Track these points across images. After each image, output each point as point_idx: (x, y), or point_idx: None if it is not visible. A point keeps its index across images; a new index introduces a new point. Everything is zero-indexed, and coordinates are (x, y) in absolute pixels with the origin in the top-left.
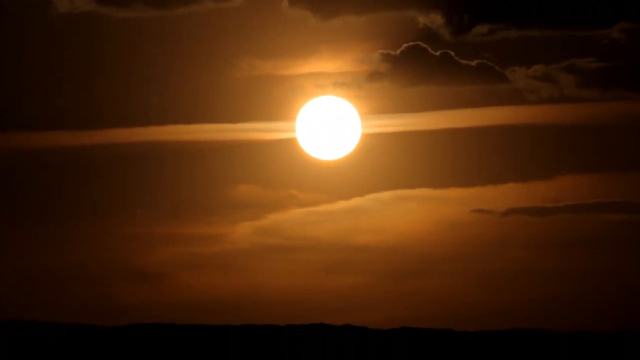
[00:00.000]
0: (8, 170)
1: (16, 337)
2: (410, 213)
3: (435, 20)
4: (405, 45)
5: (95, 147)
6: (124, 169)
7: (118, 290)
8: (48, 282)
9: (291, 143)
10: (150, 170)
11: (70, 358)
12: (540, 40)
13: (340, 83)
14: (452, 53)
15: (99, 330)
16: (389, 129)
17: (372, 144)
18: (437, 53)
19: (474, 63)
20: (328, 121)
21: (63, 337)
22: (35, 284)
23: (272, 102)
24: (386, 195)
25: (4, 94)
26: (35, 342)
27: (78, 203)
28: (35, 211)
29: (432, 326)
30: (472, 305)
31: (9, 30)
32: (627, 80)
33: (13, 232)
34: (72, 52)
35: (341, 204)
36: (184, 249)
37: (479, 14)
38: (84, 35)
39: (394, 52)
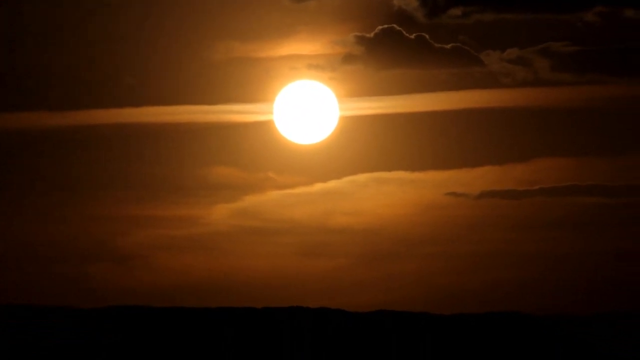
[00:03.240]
0: None
1: None
2: (386, 196)
3: (410, 2)
4: (380, 27)
5: (71, 128)
6: (100, 150)
7: (94, 271)
8: (22, 263)
9: (268, 125)
10: (126, 152)
11: (46, 340)
12: (515, 23)
13: (315, 65)
14: (427, 36)
15: (74, 313)
16: (365, 112)
17: (349, 126)
18: (412, 36)
19: (448, 46)
20: (305, 104)
21: (38, 320)
22: (8, 264)
23: (249, 84)
24: (363, 177)
25: None
26: (9, 325)
27: (54, 183)
28: (10, 191)
29: (408, 309)
30: (448, 288)
31: None
32: (601, 63)
33: None
34: (43, 33)
35: (318, 187)
36: (160, 230)
37: None
38: (55, 15)
39: (368, 35)
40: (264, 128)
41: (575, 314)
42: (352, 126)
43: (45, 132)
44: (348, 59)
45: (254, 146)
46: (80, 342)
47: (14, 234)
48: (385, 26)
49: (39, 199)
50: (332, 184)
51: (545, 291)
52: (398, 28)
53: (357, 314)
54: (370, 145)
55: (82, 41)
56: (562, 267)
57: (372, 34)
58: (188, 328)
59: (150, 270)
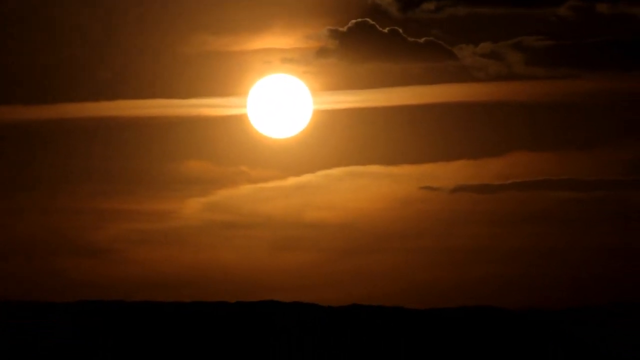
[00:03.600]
0: None
1: None
2: (361, 190)
3: None
4: (354, 21)
5: (45, 121)
6: (73, 143)
7: (68, 265)
8: None
9: (242, 119)
10: (99, 146)
11: (18, 335)
12: (489, 17)
13: (289, 59)
14: (401, 30)
15: (47, 307)
16: (340, 106)
17: (323, 120)
18: (386, 30)
19: (422, 40)
20: (279, 98)
21: (10, 314)
22: None
23: (223, 78)
24: (337, 172)
25: None
26: None
27: (27, 177)
28: None
29: (382, 303)
30: (422, 282)
31: None
32: (575, 57)
33: None
34: (20, 26)
35: (292, 181)
36: (133, 224)
37: None
38: (30, 9)
39: (342, 29)
40: (238, 122)
41: (549, 308)
42: (326, 120)
43: (20, 125)
44: (322, 52)
45: (228, 140)
46: (54, 337)
47: None
48: (359, 20)
49: (11, 193)
50: (306, 178)
51: (519, 285)
52: (372, 22)
53: (330, 308)
54: (345, 139)
55: (57, 35)
56: (536, 262)
57: (345, 28)
58: (161, 322)
59: (124, 264)
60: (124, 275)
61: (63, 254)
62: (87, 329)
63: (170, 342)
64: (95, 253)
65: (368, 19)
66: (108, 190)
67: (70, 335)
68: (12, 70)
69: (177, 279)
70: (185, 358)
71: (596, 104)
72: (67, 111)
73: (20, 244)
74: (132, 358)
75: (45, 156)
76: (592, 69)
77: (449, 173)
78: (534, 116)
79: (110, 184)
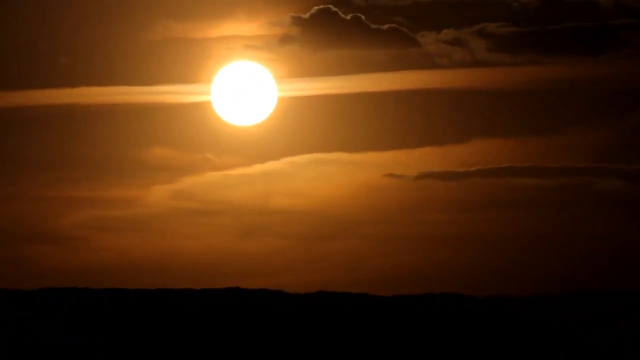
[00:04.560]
0: None
1: None
2: (325, 177)
3: None
4: (316, 8)
5: (5, 109)
6: (35, 130)
7: (31, 253)
8: None
9: (206, 106)
10: (63, 133)
11: None
12: (451, 4)
13: (252, 46)
14: (363, 17)
15: (11, 294)
16: (303, 93)
17: (287, 107)
18: (348, 17)
19: (384, 27)
20: (243, 85)
21: None
22: None
23: (187, 65)
24: (302, 159)
25: None
26: None
27: None
28: None
29: (348, 290)
30: (387, 269)
31: None
32: (538, 44)
33: None
34: None
35: (257, 168)
36: (97, 212)
37: None
38: None
39: (304, 16)
40: (202, 109)
41: (514, 295)
42: (290, 107)
43: None
44: (285, 39)
45: (192, 127)
46: (19, 323)
47: None
48: (321, 7)
49: None
50: (270, 165)
51: (484, 272)
52: (334, 9)
53: (296, 295)
54: (309, 127)
55: (17, 21)
56: (500, 248)
57: (308, 15)
58: (126, 309)
59: (88, 251)
60: (89, 262)
61: (25, 242)
62: (52, 316)
63: (135, 329)
64: (59, 240)
65: (330, 6)
66: (71, 178)
67: (35, 322)
68: None
69: (143, 266)
70: (149, 344)
71: (560, 91)
72: (28, 98)
73: None
74: (98, 344)
75: (5, 144)
76: (555, 55)
77: (413, 160)
78: (498, 103)
79: (73, 171)
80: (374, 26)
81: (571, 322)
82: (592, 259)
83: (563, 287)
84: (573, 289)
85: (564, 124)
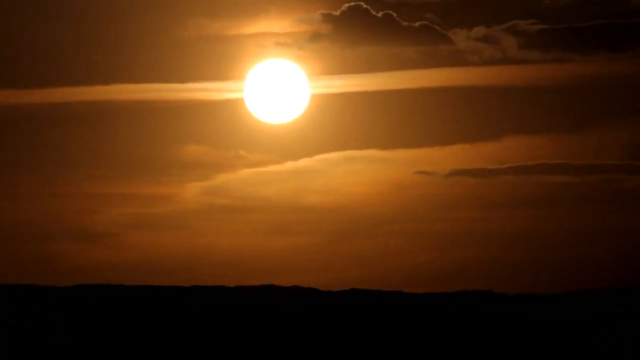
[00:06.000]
0: None
1: None
2: (357, 174)
3: None
4: (347, 5)
5: (40, 106)
6: (70, 128)
7: (66, 250)
8: None
9: (239, 104)
10: (96, 130)
11: (17, 318)
12: (482, 1)
13: (282, 43)
14: (394, 14)
15: (46, 290)
16: (336, 90)
17: (319, 105)
18: (379, 14)
19: (416, 24)
20: (276, 82)
21: (9, 297)
22: None
23: (220, 63)
24: (334, 156)
25: None
26: None
27: (24, 162)
28: None
29: (380, 287)
30: (419, 266)
31: None
32: (568, 41)
33: None
34: (10, 10)
35: (289, 165)
36: (132, 209)
37: None
38: None
39: (335, 13)
40: (235, 106)
41: (547, 292)
42: (322, 105)
43: (14, 110)
44: (315, 37)
45: (225, 125)
46: (51, 321)
47: None
48: (352, 4)
49: (7, 177)
50: (303, 162)
51: (516, 269)
52: (365, 6)
53: (329, 292)
54: (341, 124)
55: (51, 19)
56: (532, 245)
57: (338, 12)
58: (160, 306)
59: (122, 248)
60: (123, 259)
61: (60, 238)
62: (86, 313)
63: (169, 326)
64: (93, 237)
65: (362, 3)
66: (105, 175)
67: (68, 318)
68: (7, 54)
69: (176, 263)
70: (184, 342)
71: (590, 87)
72: (62, 95)
73: (17, 228)
74: (132, 342)
75: (41, 141)
76: (585, 52)
77: (444, 157)
78: (529, 100)
79: (107, 169)
80: (405, 23)
81: (602, 320)
82: (624, 255)
83: (594, 284)
84: (604, 286)
85: (594, 121)
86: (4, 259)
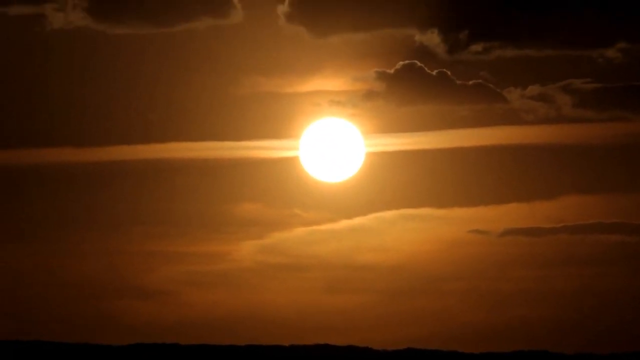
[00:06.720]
0: (12, 185)
1: (16, 357)
2: (412, 232)
3: (431, 38)
4: (401, 63)
5: (97, 164)
6: (126, 186)
7: (121, 308)
8: (49, 299)
9: (294, 162)
10: (152, 188)
11: None
12: (537, 59)
13: (336, 102)
14: (448, 72)
15: (101, 349)
16: (390, 148)
17: (373, 163)
18: (434, 72)
19: (470, 83)
20: (331, 141)
21: (65, 357)
22: (35, 302)
23: (275, 120)
24: (389, 214)
25: (5, 111)
26: None
27: (80, 219)
28: (37, 228)
29: (436, 347)
30: (474, 325)
31: (2, 47)
32: (623, 100)
33: (13, 248)
34: (68, 69)
35: (344, 223)
36: (187, 267)
37: (475, 31)
38: (79, 51)
39: (389, 71)
40: (290, 164)
41: (603, 352)
42: (377, 163)
43: (71, 168)
44: (369, 95)
45: (280, 183)
46: None
47: (42, 270)
48: (407, 62)
49: (65, 235)
50: (357, 220)
51: (572, 329)
52: (419, 64)
53: (384, 351)
54: (396, 182)
55: (107, 76)
56: (587, 305)
57: (393, 70)
58: None
59: (178, 306)
60: (178, 317)
61: (116, 296)
62: None
63: None
64: (149, 295)
65: (416, 61)
66: (161, 233)
67: None
68: (63, 112)
69: (231, 321)
70: None
71: None
72: (118, 153)
73: (74, 285)
74: None
75: (98, 199)
76: None
77: (499, 216)
78: (584, 159)
79: (162, 226)
80: (459, 82)
81: None
82: None
83: None
84: None
85: None
86: (60, 318)
